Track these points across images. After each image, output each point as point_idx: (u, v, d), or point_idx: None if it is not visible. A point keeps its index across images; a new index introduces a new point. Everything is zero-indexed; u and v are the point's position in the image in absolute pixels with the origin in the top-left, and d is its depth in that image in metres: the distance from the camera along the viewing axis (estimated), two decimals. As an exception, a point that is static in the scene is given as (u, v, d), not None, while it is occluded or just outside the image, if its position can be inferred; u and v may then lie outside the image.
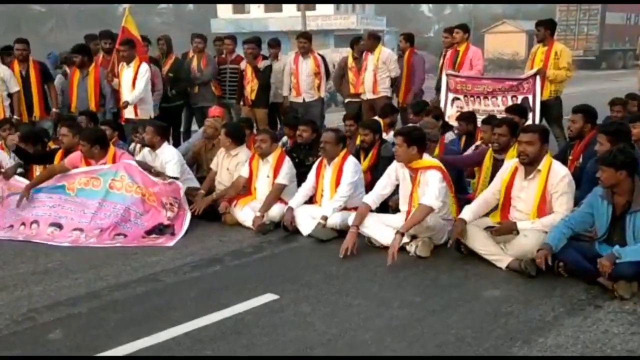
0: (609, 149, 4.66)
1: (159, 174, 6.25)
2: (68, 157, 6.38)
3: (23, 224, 6.11)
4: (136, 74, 7.82)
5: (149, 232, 5.89)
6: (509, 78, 8.60)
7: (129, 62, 7.90)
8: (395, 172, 5.45)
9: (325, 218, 5.64)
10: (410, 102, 8.58)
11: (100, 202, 6.03)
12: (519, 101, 7.59)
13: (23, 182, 6.42)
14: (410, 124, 6.87)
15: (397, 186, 5.51)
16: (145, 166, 6.32)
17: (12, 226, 6.17)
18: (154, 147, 6.62)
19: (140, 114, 7.88)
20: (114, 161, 6.26)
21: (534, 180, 4.85)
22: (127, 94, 7.87)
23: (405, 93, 8.81)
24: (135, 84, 7.80)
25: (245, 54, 8.88)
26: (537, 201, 4.82)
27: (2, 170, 6.60)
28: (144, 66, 7.92)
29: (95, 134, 6.42)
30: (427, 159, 5.31)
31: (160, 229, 5.90)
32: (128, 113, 7.99)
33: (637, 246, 4.19)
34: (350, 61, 9.08)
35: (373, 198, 5.44)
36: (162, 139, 6.72)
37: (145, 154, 6.73)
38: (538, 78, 7.58)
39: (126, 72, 7.93)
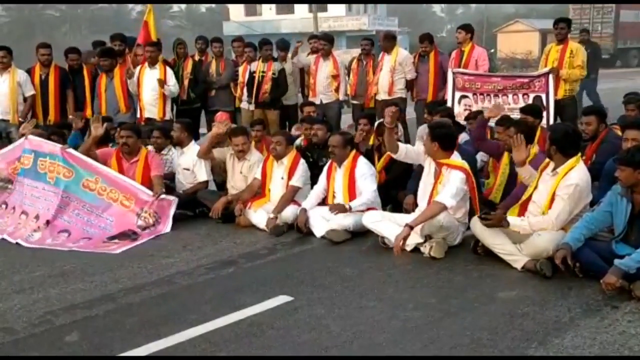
0: (627, 149, 4.61)
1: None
2: (101, 149, 6.57)
3: (13, 208, 6.31)
4: (165, 74, 8.00)
5: (112, 238, 5.82)
6: (520, 75, 8.51)
7: (154, 64, 8.02)
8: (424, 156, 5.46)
9: (349, 208, 5.66)
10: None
11: (63, 193, 6.14)
12: (530, 100, 7.52)
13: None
14: (436, 120, 6.80)
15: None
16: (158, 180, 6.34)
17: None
18: (182, 144, 6.75)
19: (165, 114, 8.05)
20: (146, 161, 6.37)
21: (553, 177, 4.79)
22: (149, 95, 8.02)
23: (434, 92, 8.56)
24: (165, 81, 8.01)
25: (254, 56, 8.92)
26: (548, 200, 4.77)
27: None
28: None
29: (135, 126, 6.70)
30: (454, 159, 5.27)
31: (126, 234, 5.85)
32: (149, 113, 8.10)
33: (634, 255, 4.13)
34: (354, 64, 9.05)
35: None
36: (190, 136, 6.87)
37: (172, 150, 6.83)
38: (551, 77, 7.51)
39: (150, 73, 8.05)
